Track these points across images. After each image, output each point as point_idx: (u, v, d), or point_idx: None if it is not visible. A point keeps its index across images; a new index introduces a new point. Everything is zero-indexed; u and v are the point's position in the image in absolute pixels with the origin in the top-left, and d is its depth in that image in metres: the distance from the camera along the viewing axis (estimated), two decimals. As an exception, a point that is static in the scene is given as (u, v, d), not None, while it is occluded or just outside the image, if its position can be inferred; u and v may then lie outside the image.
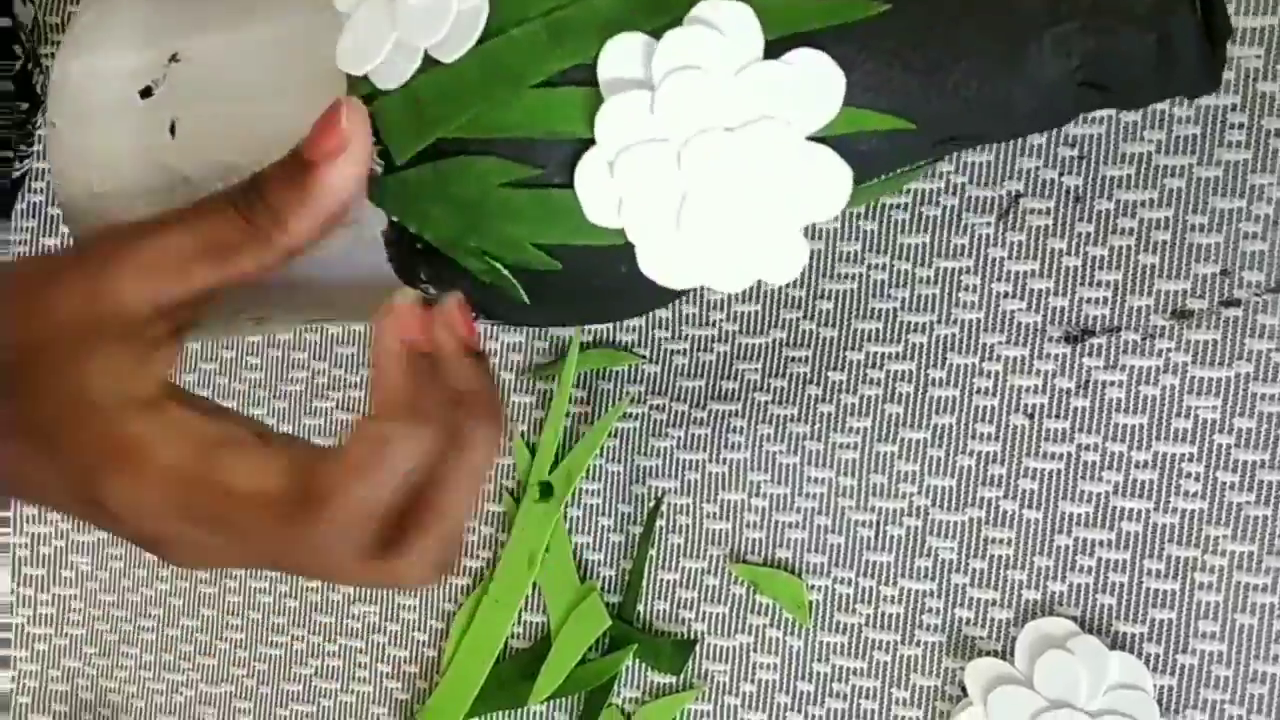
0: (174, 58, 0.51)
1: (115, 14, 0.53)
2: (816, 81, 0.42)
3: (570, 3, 0.43)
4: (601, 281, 0.46)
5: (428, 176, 0.44)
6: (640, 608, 0.63)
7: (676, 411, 0.62)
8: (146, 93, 0.51)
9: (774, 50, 0.42)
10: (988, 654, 0.58)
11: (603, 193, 0.43)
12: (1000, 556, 0.58)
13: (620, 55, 0.42)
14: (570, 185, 0.43)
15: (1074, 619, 0.57)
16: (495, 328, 0.64)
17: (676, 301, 0.61)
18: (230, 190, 0.44)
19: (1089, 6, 0.43)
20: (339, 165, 0.43)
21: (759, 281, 0.60)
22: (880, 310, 0.59)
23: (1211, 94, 0.45)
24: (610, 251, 0.44)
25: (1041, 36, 0.43)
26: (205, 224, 0.44)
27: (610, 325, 0.63)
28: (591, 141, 0.42)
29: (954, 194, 0.58)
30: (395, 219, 0.45)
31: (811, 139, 0.42)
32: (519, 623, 0.65)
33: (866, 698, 0.60)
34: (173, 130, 0.50)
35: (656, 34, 0.42)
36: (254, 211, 0.43)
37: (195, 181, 0.50)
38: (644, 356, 0.62)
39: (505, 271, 0.45)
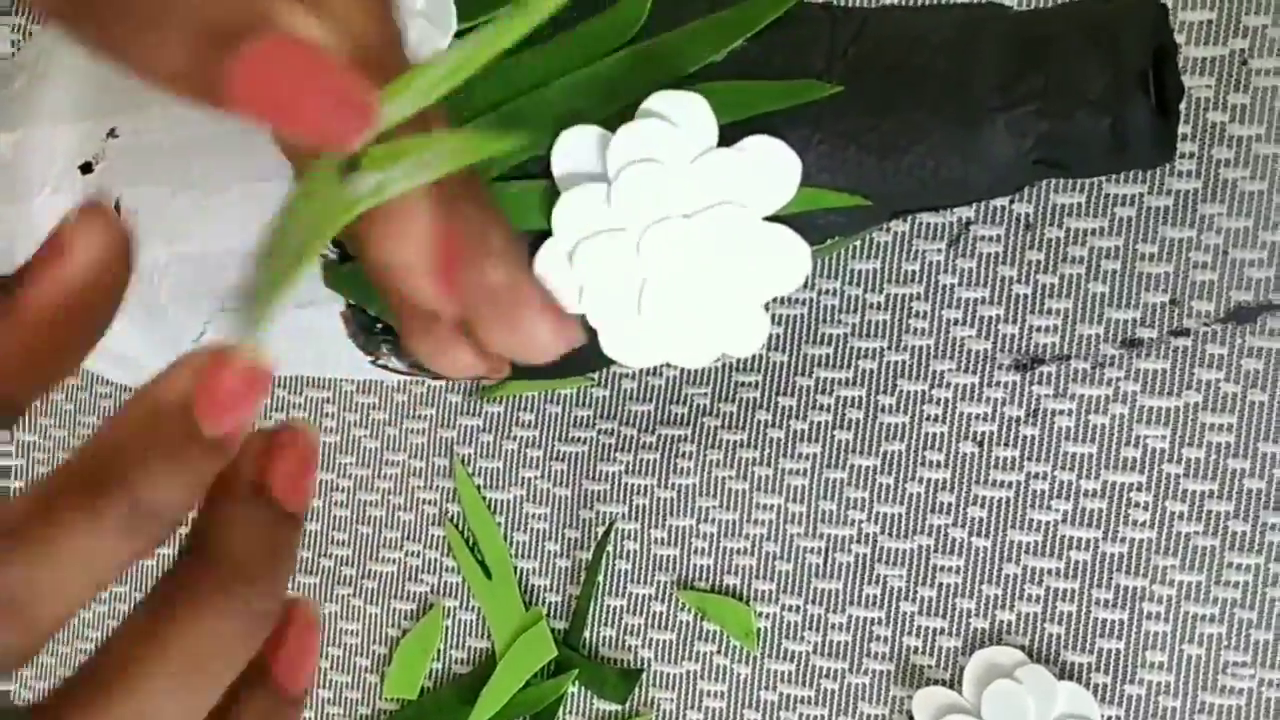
0: (112, 133, 0.48)
1: (47, 82, 0.51)
2: (772, 167, 0.42)
3: (521, 94, 0.42)
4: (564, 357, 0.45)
5: None
6: (587, 634, 0.62)
7: (625, 436, 0.61)
8: (86, 168, 0.49)
9: (729, 135, 0.42)
10: (936, 683, 0.58)
11: (562, 282, 0.42)
12: (949, 585, 0.57)
13: (574, 148, 0.42)
14: None
15: (1022, 648, 0.56)
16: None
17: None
18: None
19: (1042, 90, 0.43)
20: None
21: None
22: (830, 336, 0.58)
23: (1166, 163, 0.44)
24: None
25: (996, 119, 0.43)
26: None
27: (559, 348, 0.62)
28: (549, 233, 0.42)
29: (905, 220, 0.57)
30: (350, 301, 0.45)
31: (769, 219, 0.42)
32: (461, 647, 0.64)
33: (813, 726, 0.59)
34: (117, 209, 0.49)
35: (609, 124, 0.42)
36: None
37: (142, 268, 0.48)
38: (593, 380, 0.62)
39: None
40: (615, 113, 0.42)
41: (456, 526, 0.64)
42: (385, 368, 0.47)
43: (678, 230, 0.42)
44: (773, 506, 0.59)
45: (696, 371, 0.60)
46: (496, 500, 0.63)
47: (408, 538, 0.64)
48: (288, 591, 0.30)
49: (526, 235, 0.43)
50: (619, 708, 0.62)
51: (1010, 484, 0.57)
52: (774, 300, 0.59)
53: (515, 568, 0.63)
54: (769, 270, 0.43)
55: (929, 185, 0.44)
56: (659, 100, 0.42)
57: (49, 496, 0.27)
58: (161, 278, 0.49)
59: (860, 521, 0.58)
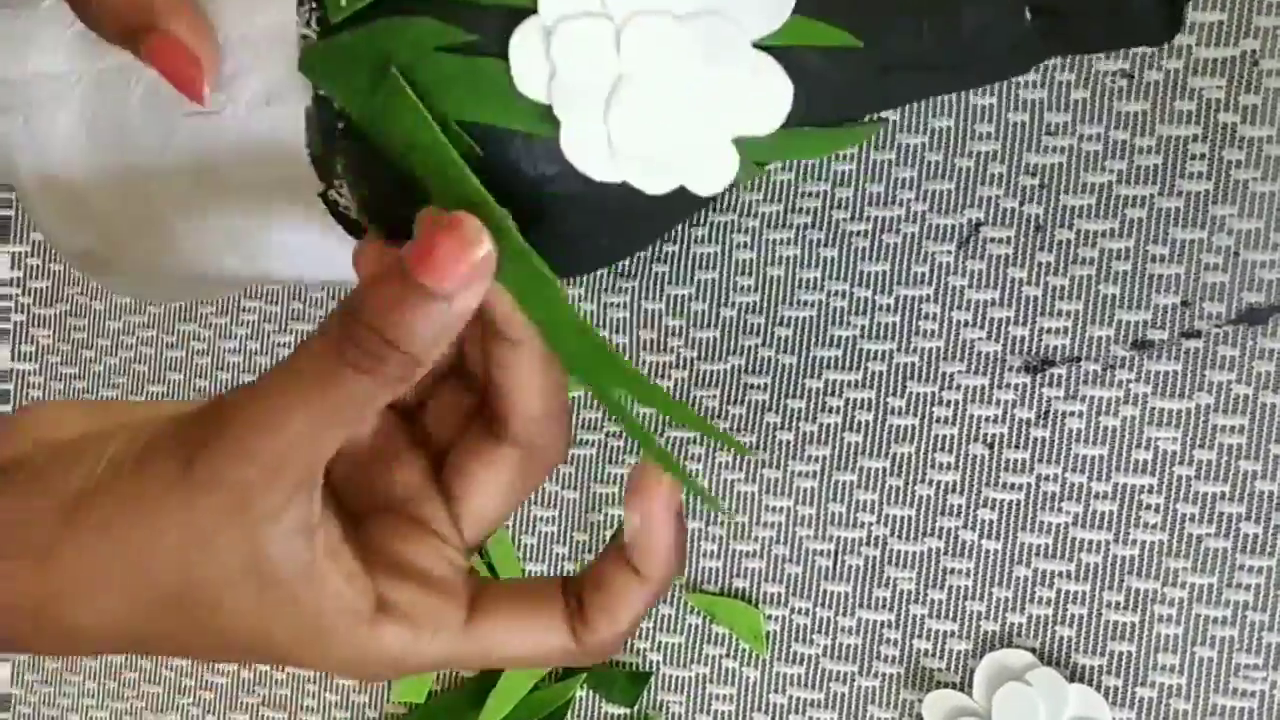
0: None
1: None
2: None
3: None
4: (520, 188, 0.43)
5: (360, 39, 0.42)
6: (594, 637, 0.62)
7: (633, 439, 0.61)
8: None
9: None
10: (946, 686, 0.57)
11: (535, 62, 0.41)
12: (959, 587, 0.57)
13: None
14: (504, 56, 0.41)
15: (1033, 651, 0.56)
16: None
17: (634, 328, 0.61)
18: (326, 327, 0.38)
19: None
20: (474, 291, 0.38)
21: (714, 295, 0.59)
22: (840, 338, 0.58)
23: (1169, 41, 0.43)
24: (534, 147, 0.42)
25: None
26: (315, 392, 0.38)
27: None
28: (533, 11, 0.41)
29: (915, 222, 0.57)
30: (321, 92, 0.44)
31: (758, 46, 0.41)
32: (471, 652, 0.64)
33: (823, 730, 0.59)
34: None
35: None
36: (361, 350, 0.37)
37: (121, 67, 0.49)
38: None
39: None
40: None
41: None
42: (335, 206, 0.46)
43: (663, 30, 0.40)
44: (782, 509, 0.59)
45: (705, 374, 0.60)
46: (504, 503, 0.63)
47: (415, 541, 0.64)
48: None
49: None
50: (628, 711, 0.61)
51: (1021, 486, 0.56)
52: (783, 302, 0.59)
53: (523, 571, 0.63)
54: (748, 101, 0.41)
55: (921, 27, 0.43)
56: None
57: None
58: (136, 81, 0.49)
59: (870, 524, 0.58)
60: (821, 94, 0.43)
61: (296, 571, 0.38)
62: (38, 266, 0.70)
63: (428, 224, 0.37)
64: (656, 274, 0.61)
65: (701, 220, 0.60)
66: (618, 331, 0.61)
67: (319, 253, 0.49)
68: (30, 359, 0.70)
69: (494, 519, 0.44)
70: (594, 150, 0.41)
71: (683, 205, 0.47)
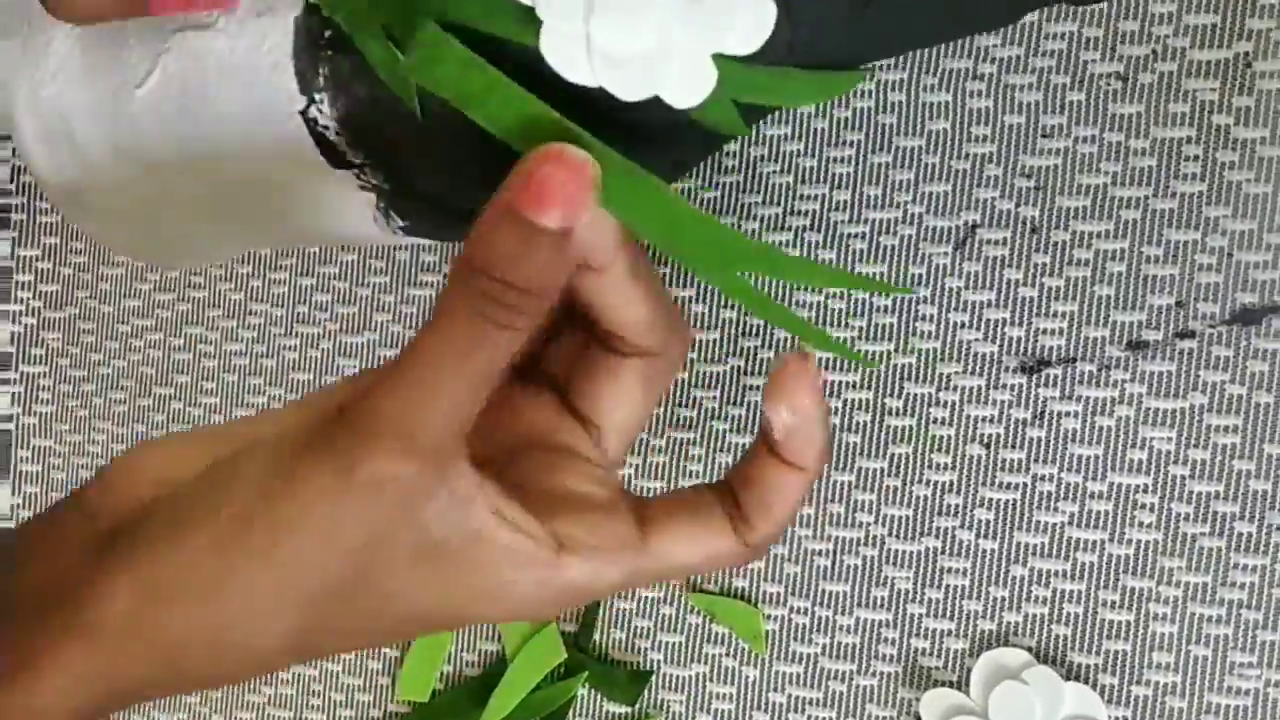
0: None
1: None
2: None
3: None
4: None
5: None
6: (597, 636, 0.62)
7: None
8: None
9: None
10: (943, 684, 0.58)
11: None
12: (956, 587, 0.58)
13: None
14: None
15: (1029, 650, 0.57)
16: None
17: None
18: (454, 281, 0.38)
19: None
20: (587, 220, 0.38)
21: (714, 297, 0.60)
22: (838, 339, 0.59)
23: None
24: (510, 56, 0.42)
25: None
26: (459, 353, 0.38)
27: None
28: None
29: (911, 224, 0.58)
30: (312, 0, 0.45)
31: None
32: (472, 650, 0.64)
33: (822, 728, 0.60)
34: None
35: None
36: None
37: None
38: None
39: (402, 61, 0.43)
40: None
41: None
42: (314, 125, 0.46)
43: None
44: (781, 509, 0.60)
45: (705, 375, 0.60)
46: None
47: (419, 541, 0.65)
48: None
49: None
50: (628, 710, 0.62)
51: (1017, 486, 0.57)
52: (781, 303, 0.59)
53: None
54: (730, 17, 0.41)
55: None
56: None
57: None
58: None
59: (868, 524, 0.59)
60: (801, 23, 0.43)
61: (468, 540, 0.39)
62: (48, 270, 0.70)
63: (529, 160, 0.37)
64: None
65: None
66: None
67: (301, 190, 0.50)
68: (40, 362, 0.71)
69: (632, 431, 0.45)
70: (570, 51, 0.41)
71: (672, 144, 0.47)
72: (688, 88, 0.42)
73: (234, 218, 0.52)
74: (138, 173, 0.51)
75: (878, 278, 0.58)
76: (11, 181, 0.71)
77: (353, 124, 0.46)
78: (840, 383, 0.59)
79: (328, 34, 0.45)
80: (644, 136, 0.43)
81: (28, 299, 0.71)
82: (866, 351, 0.58)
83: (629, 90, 0.41)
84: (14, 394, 0.71)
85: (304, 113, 0.47)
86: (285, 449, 0.39)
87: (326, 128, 0.46)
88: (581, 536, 0.41)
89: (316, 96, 0.46)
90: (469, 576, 0.39)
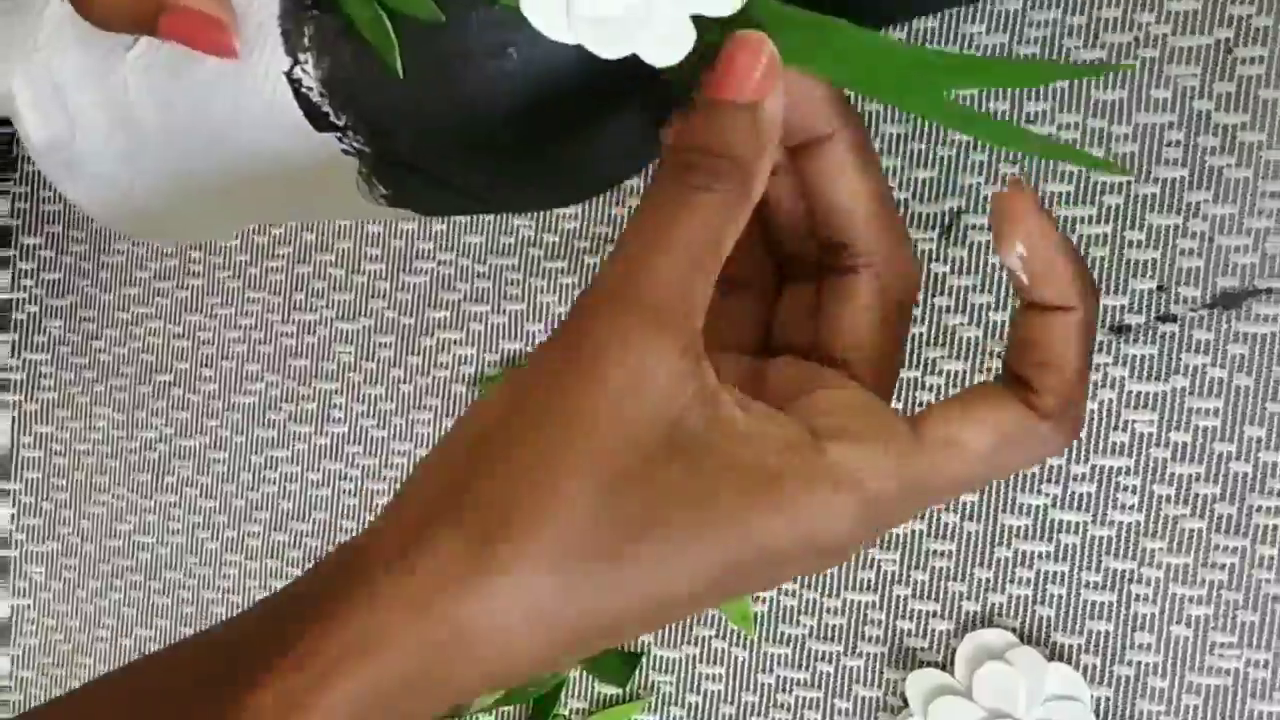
0: None
1: None
2: None
3: None
4: (481, 63, 0.44)
5: None
6: (588, 619, 0.63)
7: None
8: None
9: None
10: (928, 665, 0.58)
11: None
12: (941, 568, 0.58)
13: None
14: None
15: (1013, 630, 0.57)
16: (442, 311, 0.65)
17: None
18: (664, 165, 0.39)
19: None
20: (775, 94, 0.39)
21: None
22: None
23: None
24: (498, 22, 0.43)
25: None
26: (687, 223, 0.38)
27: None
28: None
29: (897, 209, 0.58)
30: None
31: None
32: (466, 633, 0.65)
33: (810, 708, 0.60)
34: None
35: None
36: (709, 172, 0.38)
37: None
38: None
39: (386, 22, 0.44)
40: None
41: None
42: (298, 86, 0.47)
43: None
44: (769, 492, 0.60)
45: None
46: (500, 488, 0.64)
47: (413, 525, 0.65)
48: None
49: None
50: (620, 691, 0.63)
51: (1001, 469, 0.57)
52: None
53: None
54: None
55: None
56: None
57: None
58: None
59: (855, 506, 0.59)
60: None
61: (720, 433, 0.36)
62: (51, 259, 0.71)
63: (720, 57, 0.39)
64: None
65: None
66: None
67: (286, 155, 0.50)
68: (43, 349, 0.72)
69: (880, 353, 0.42)
70: (550, 14, 0.41)
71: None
72: (665, 46, 0.42)
73: (217, 187, 0.53)
74: (127, 138, 0.52)
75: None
76: (15, 171, 0.71)
77: (336, 85, 0.47)
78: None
79: None
80: None
81: (30, 287, 0.72)
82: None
83: (605, 48, 0.42)
84: (15, 380, 0.72)
85: (289, 74, 0.47)
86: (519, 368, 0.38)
87: (310, 89, 0.47)
88: (838, 424, 0.38)
89: (301, 57, 0.47)
90: (732, 473, 0.36)
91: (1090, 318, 0.39)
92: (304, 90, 0.47)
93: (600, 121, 0.47)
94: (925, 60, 0.40)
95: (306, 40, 0.46)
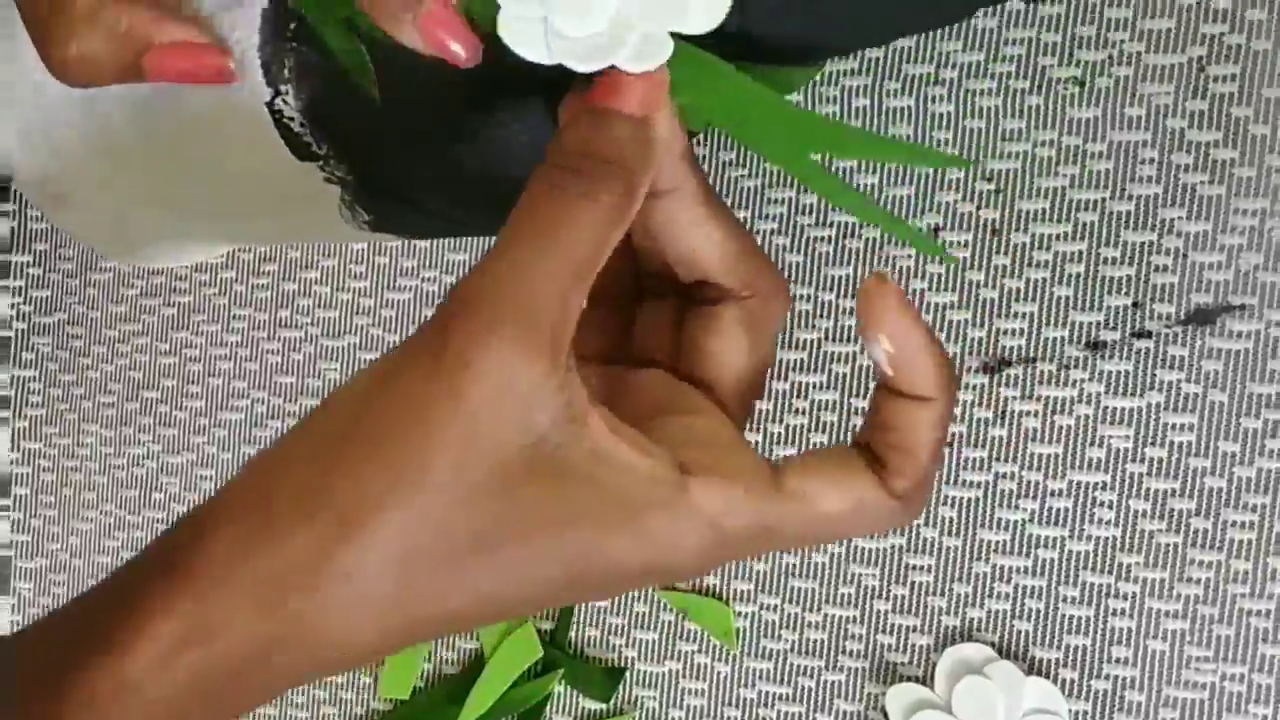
0: None
1: None
2: None
3: None
4: (454, 96, 0.44)
5: None
6: (572, 634, 0.64)
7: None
8: None
9: None
10: (908, 679, 0.59)
11: None
12: (920, 583, 0.59)
13: None
14: None
15: (992, 644, 0.58)
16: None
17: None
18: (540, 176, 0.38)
19: None
20: (665, 115, 0.39)
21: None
22: (804, 340, 0.60)
23: None
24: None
25: None
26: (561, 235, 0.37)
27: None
28: None
29: (875, 227, 0.59)
30: None
31: None
32: (451, 648, 0.65)
33: (791, 723, 0.61)
34: None
35: None
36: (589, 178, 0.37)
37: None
38: (575, 386, 0.63)
39: (365, 53, 0.44)
40: None
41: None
42: (279, 117, 0.47)
43: None
44: (750, 508, 0.61)
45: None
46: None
47: (398, 541, 0.66)
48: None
49: None
50: (604, 706, 0.63)
51: (979, 484, 0.58)
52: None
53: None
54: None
55: None
56: None
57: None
58: None
59: (834, 522, 0.60)
60: (757, 6, 0.44)
61: (584, 454, 0.36)
62: (39, 276, 0.72)
63: (609, 70, 0.38)
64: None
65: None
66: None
67: (269, 184, 0.51)
68: (31, 366, 0.72)
69: (747, 380, 0.42)
70: (530, 34, 0.41)
71: None
72: (647, 56, 0.42)
73: (203, 214, 0.53)
74: (110, 168, 0.52)
75: (844, 279, 0.59)
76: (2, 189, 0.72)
77: (316, 115, 0.47)
78: (807, 383, 0.60)
79: (293, 26, 0.46)
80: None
81: (19, 304, 0.72)
82: (832, 353, 0.59)
83: (585, 64, 0.42)
84: (3, 397, 0.72)
85: (270, 105, 0.48)
86: (384, 358, 0.37)
87: (291, 119, 0.47)
88: (705, 462, 0.38)
89: (282, 88, 0.47)
90: (593, 498, 0.36)
91: (948, 409, 0.39)
92: (285, 120, 0.48)
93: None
94: (797, 118, 0.40)
95: (286, 72, 0.47)
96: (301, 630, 0.35)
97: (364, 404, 0.36)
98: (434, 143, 0.46)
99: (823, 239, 0.59)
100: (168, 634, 0.35)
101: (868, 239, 0.59)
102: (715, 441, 0.40)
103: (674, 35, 0.39)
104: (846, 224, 0.59)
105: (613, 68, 0.38)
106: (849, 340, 0.59)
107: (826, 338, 0.59)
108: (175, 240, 0.57)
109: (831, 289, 0.59)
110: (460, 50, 0.40)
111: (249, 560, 0.35)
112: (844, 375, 0.59)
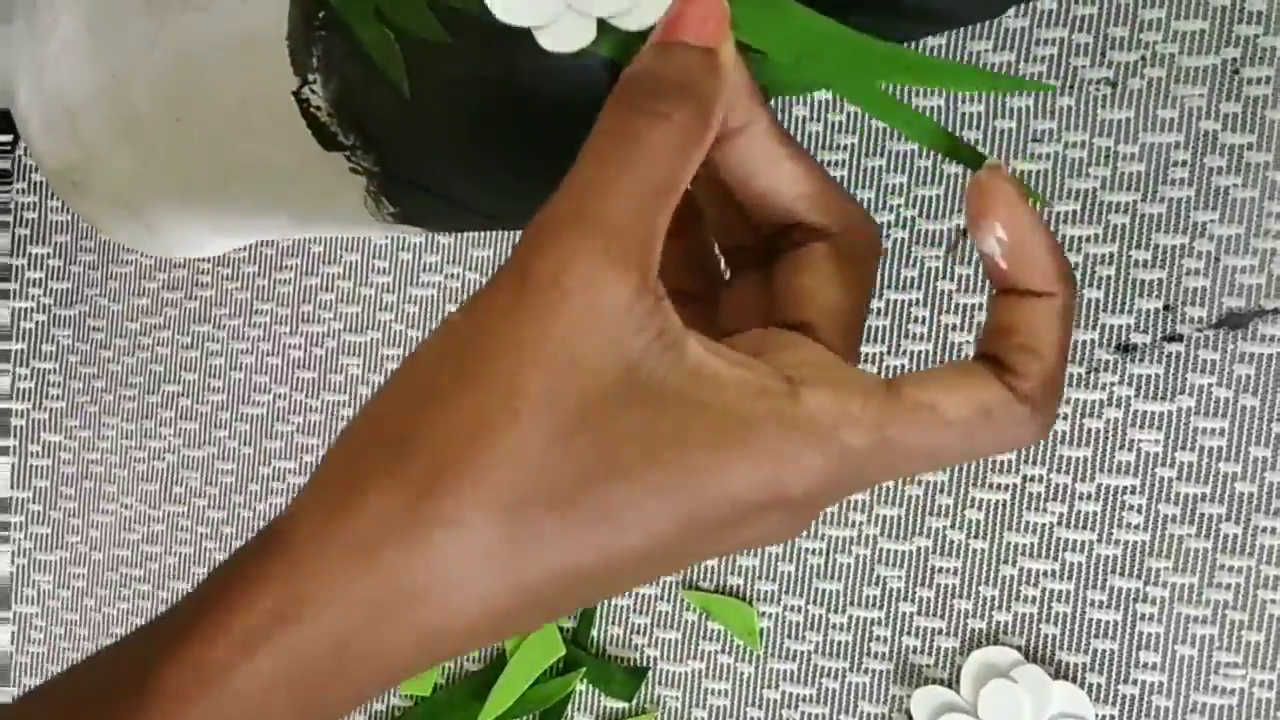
0: None
1: None
2: None
3: None
4: (489, 83, 0.44)
5: None
6: (595, 633, 0.63)
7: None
8: None
9: None
10: (934, 682, 0.59)
11: None
12: (947, 586, 0.58)
13: None
14: None
15: (1018, 648, 0.57)
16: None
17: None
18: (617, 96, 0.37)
19: None
20: (728, 45, 0.37)
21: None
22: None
23: None
24: (501, 41, 0.42)
25: None
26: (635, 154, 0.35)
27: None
28: None
29: (904, 228, 0.58)
30: None
31: None
32: (473, 646, 0.65)
33: (815, 724, 0.61)
34: None
35: None
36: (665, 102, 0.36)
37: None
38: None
39: (395, 44, 0.44)
40: None
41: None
42: (306, 106, 0.47)
43: None
44: (775, 508, 0.60)
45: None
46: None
47: (420, 538, 0.66)
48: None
49: None
50: (625, 705, 0.63)
51: (1007, 487, 0.58)
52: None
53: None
54: None
55: None
56: None
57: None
58: None
59: (860, 523, 0.59)
60: None
61: (684, 376, 0.34)
62: (59, 268, 0.71)
63: (670, 8, 0.37)
64: (654, 277, 0.62)
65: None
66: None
67: (294, 174, 0.50)
68: (51, 358, 0.72)
69: (846, 317, 0.39)
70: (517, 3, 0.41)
71: None
72: (564, 37, 0.41)
73: (228, 203, 0.53)
74: (136, 156, 0.52)
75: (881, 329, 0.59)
76: (22, 179, 0.72)
77: (344, 105, 0.47)
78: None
79: (321, 15, 0.46)
80: None
81: (38, 296, 0.72)
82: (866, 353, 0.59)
83: (558, 43, 0.41)
84: (24, 389, 0.72)
85: (297, 94, 0.47)
86: (467, 300, 0.35)
87: (319, 109, 0.47)
88: (814, 372, 0.35)
89: (309, 78, 0.47)
90: (699, 420, 0.33)
91: (1070, 303, 0.37)
92: (312, 110, 0.47)
93: None
94: (864, 46, 0.39)
95: (314, 61, 0.46)
96: (400, 595, 0.32)
97: (448, 345, 0.34)
98: (464, 134, 0.46)
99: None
100: (246, 620, 0.32)
101: (896, 239, 0.58)
102: (820, 363, 0.37)
103: None
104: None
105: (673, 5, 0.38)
106: (877, 341, 0.59)
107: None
108: (196, 231, 0.56)
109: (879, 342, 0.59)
110: None
111: (339, 519, 0.33)
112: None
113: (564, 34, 0.40)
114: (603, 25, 0.41)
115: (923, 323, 0.58)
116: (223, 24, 0.49)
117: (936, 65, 0.39)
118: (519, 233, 0.36)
